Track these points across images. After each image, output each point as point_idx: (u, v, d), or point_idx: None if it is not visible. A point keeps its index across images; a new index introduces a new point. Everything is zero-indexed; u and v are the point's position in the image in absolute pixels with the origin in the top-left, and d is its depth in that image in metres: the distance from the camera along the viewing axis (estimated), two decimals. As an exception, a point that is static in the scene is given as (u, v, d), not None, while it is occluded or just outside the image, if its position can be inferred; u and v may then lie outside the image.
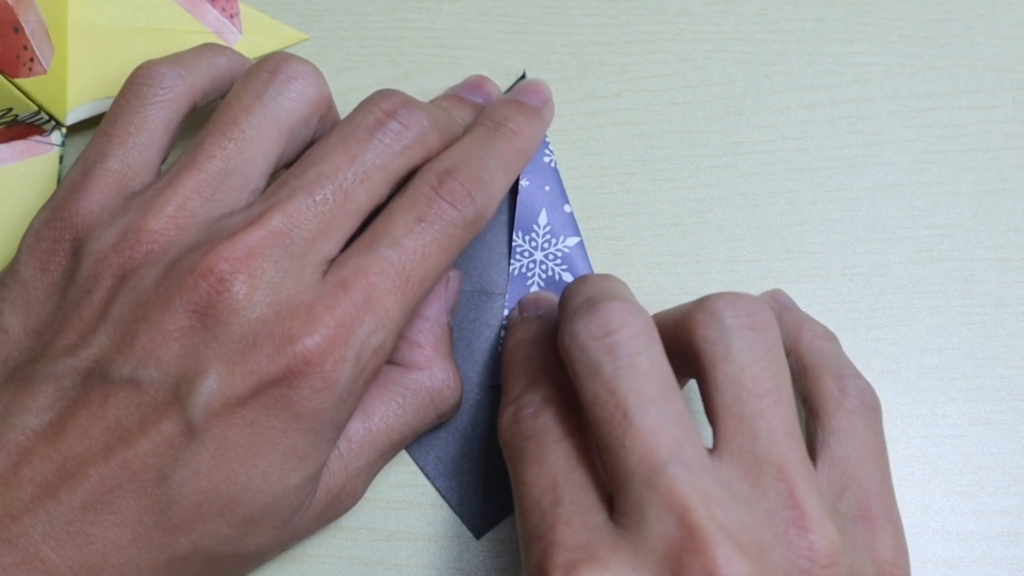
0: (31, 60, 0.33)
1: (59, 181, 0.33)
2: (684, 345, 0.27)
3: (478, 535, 0.32)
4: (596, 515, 0.25)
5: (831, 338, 0.30)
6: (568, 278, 0.33)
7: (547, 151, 0.34)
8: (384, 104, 0.28)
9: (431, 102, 0.32)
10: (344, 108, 0.31)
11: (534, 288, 0.33)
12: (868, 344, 0.33)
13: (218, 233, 0.26)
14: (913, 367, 0.33)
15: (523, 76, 0.35)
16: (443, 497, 0.32)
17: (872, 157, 0.35)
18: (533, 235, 0.33)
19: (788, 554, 0.24)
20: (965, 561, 0.32)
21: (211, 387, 0.24)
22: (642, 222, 0.34)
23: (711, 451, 0.25)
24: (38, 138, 0.33)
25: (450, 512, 0.32)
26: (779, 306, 0.32)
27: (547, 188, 0.34)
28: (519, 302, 0.33)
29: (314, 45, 0.36)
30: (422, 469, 0.32)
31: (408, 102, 0.29)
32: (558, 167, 0.34)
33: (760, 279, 0.34)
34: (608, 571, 0.23)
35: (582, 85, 0.36)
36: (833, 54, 0.36)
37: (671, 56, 0.36)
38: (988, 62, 0.36)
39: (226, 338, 0.25)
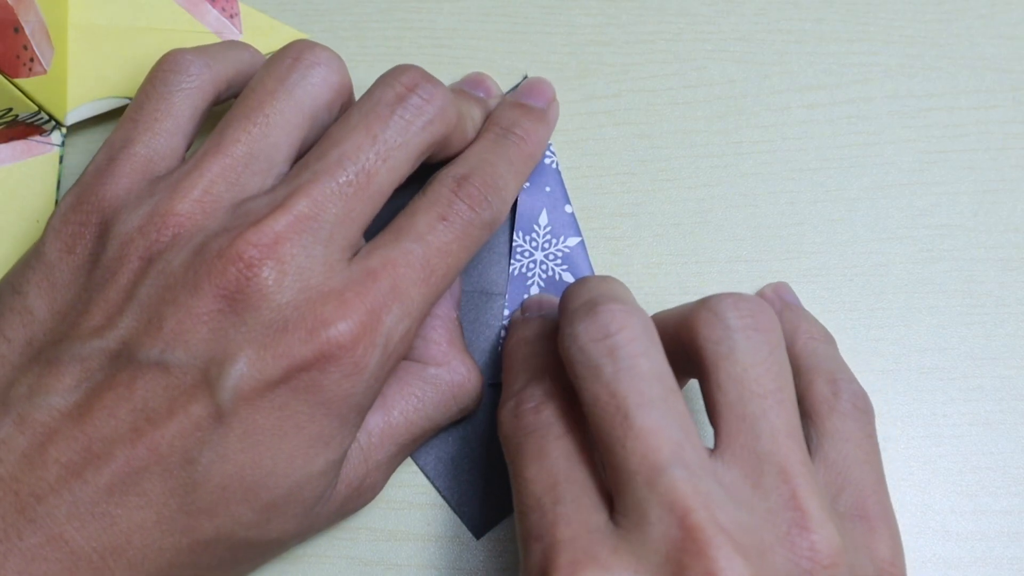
0: (31, 60, 0.33)
1: (59, 181, 0.33)
2: (686, 345, 0.27)
3: (478, 535, 0.32)
4: (596, 515, 0.25)
5: (828, 340, 0.30)
6: (569, 278, 0.33)
7: (549, 152, 0.34)
8: (404, 78, 0.28)
9: None
10: (344, 108, 0.31)
11: (534, 288, 0.33)
12: (868, 344, 0.33)
13: (244, 218, 0.26)
14: (913, 367, 0.33)
15: (525, 79, 0.35)
16: (443, 497, 0.32)
17: (872, 157, 0.35)
18: (533, 235, 0.33)
19: (790, 555, 0.24)
20: (965, 561, 0.32)
21: (241, 370, 0.25)
22: (642, 222, 0.34)
23: (712, 451, 0.25)
24: (38, 138, 0.33)
25: (450, 512, 0.32)
26: (780, 302, 0.32)
27: (548, 189, 0.34)
28: (522, 304, 0.33)
29: (314, 45, 0.36)
30: (422, 469, 0.32)
31: (428, 76, 0.29)
32: (559, 167, 0.34)
33: (760, 279, 0.34)
34: (609, 573, 0.23)
35: (582, 85, 0.36)
36: (833, 54, 0.36)
37: (671, 56, 0.36)
38: (988, 62, 0.36)
39: (255, 323, 0.25)
